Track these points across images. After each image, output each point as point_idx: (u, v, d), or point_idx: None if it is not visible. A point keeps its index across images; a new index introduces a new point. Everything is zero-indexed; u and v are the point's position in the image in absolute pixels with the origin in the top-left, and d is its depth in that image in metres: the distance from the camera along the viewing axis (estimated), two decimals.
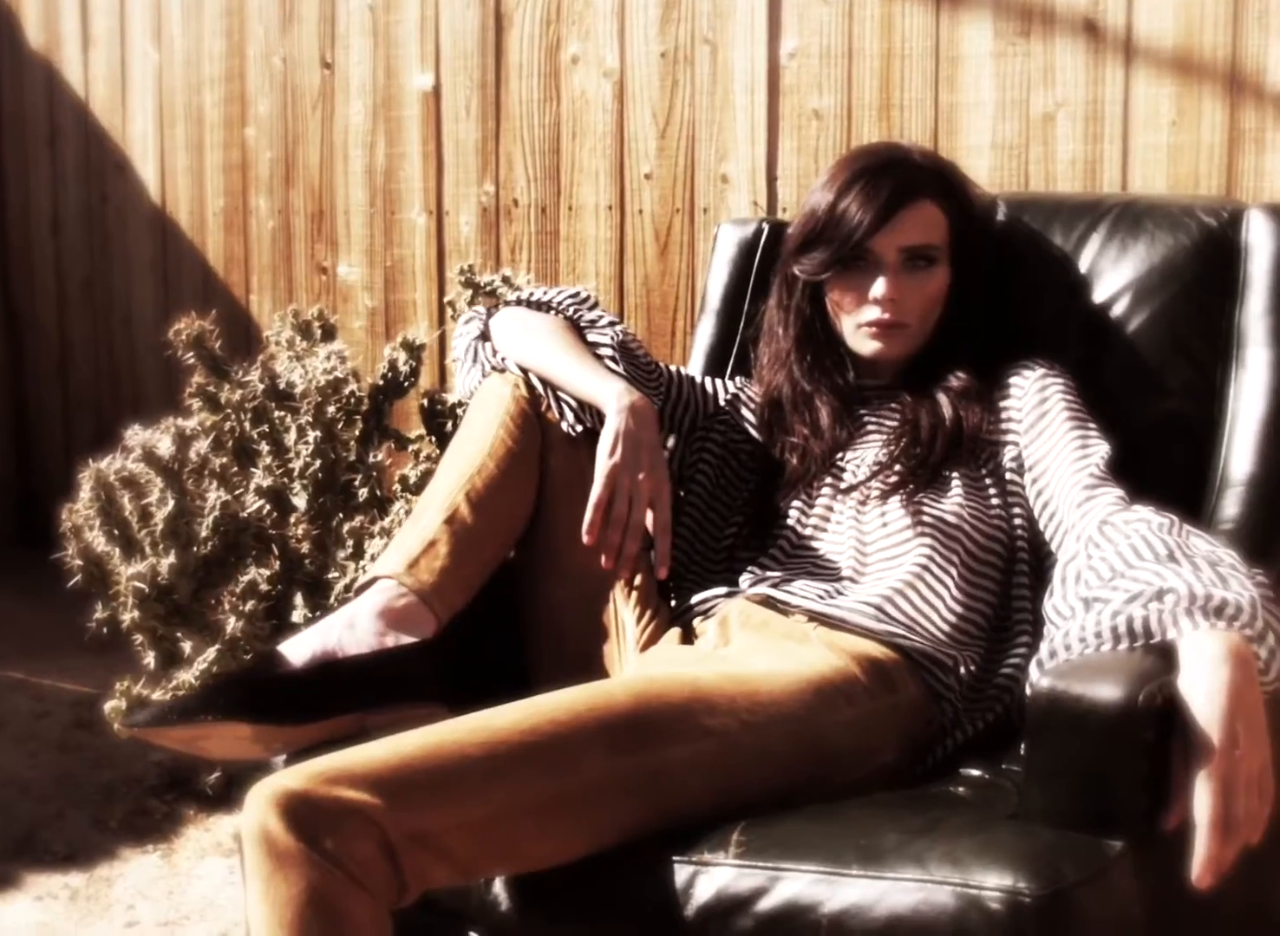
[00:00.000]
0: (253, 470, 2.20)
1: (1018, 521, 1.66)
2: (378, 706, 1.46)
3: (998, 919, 1.09)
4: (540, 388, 1.73)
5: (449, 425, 2.32)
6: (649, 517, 1.65)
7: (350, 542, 2.14)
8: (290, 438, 2.26)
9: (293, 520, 2.13)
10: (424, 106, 2.92)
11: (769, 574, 1.68)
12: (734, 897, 1.20)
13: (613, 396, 1.66)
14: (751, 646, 1.53)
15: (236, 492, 2.15)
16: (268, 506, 2.14)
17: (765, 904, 1.18)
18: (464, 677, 1.54)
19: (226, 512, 2.09)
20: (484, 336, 1.83)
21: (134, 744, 2.09)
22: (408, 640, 1.50)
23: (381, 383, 2.34)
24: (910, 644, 1.55)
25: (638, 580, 1.66)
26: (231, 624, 2.03)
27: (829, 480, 1.74)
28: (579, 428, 1.71)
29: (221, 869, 2.20)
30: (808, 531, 1.72)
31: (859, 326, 1.73)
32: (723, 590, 1.66)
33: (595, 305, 1.86)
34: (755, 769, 1.36)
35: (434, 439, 2.37)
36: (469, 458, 1.67)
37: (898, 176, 1.71)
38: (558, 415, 1.72)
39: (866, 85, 2.45)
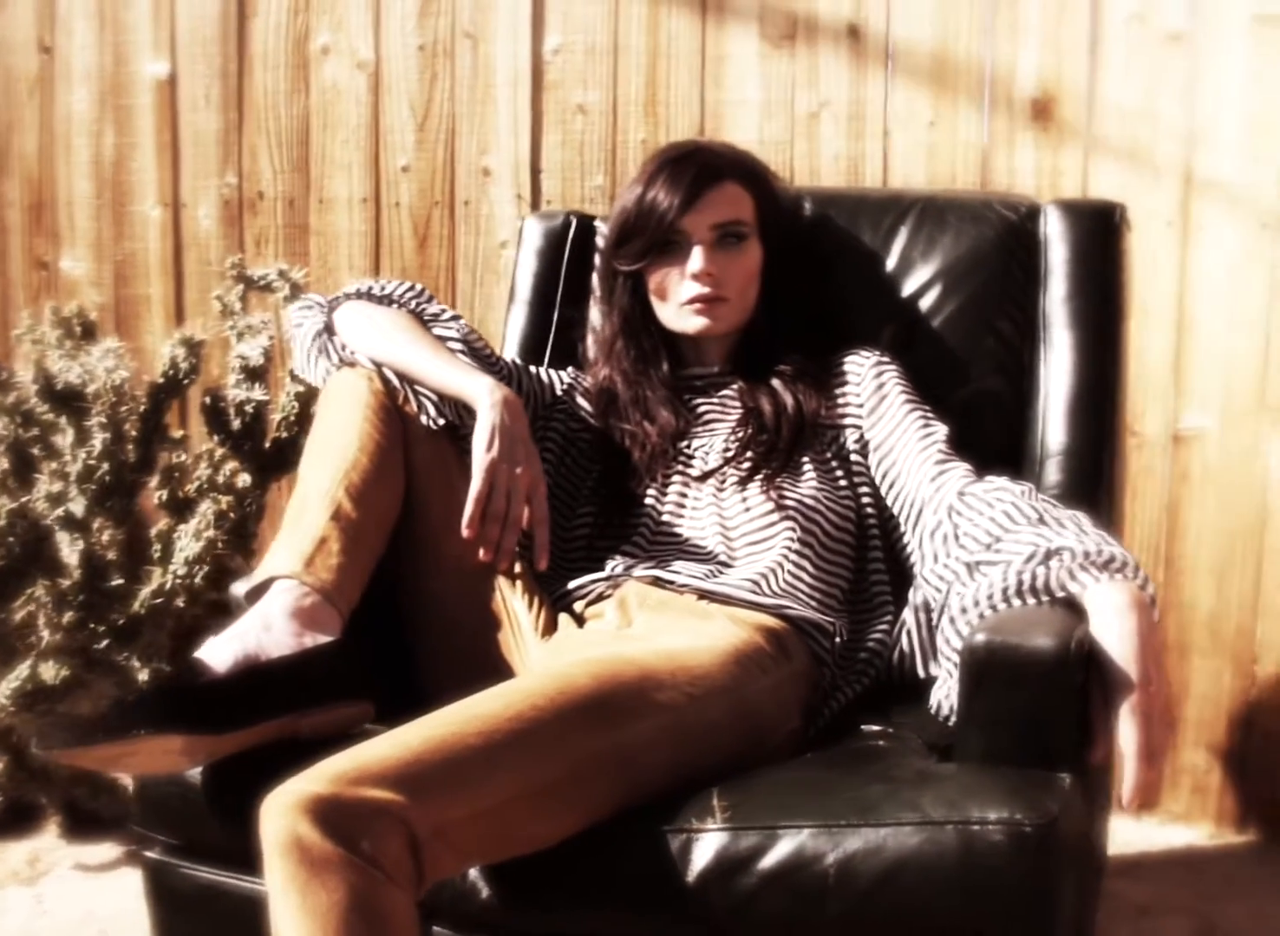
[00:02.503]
0: (37, 476, 2.06)
1: (865, 500, 1.77)
2: (309, 708, 1.43)
3: (1001, 849, 1.18)
4: (396, 382, 1.71)
5: (237, 423, 2.24)
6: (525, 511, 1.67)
7: (158, 546, 2.04)
8: (66, 440, 2.14)
9: (95, 526, 2.01)
10: (158, 95, 2.80)
11: (640, 558, 1.72)
12: (733, 858, 1.24)
13: (484, 391, 1.67)
14: (658, 625, 1.57)
15: (24, 500, 2.02)
16: (61, 512, 2.01)
17: (767, 861, 1.23)
18: (370, 673, 1.52)
19: (24, 520, 1.96)
20: (328, 329, 1.79)
21: None
22: (323, 639, 1.46)
23: (162, 381, 2.24)
24: (795, 613, 1.63)
25: (517, 569, 1.68)
26: (46, 637, 1.91)
27: (679, 467, 1.79)
28: (440, 421, 1.71)
29: (26, 898, 2.07)
30: (665, 517, 1.77)
31: (681, 306, 1.80)
32: (602, 575, 1.69)
33: (431, 299, 1.86)
34: (704, 740, 1.40)
35: (218, 438, 2.28)
36: (340, 453, 1.63)
37: (699, 161, 1.78)
38: (417, 409, 1.70)
39: (632, 81, 2.52)
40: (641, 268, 1.80)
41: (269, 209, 2.77)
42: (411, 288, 1.84)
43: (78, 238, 2.89)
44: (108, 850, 2.22)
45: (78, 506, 2.11)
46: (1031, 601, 1.41)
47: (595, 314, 2.03)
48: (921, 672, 1.61)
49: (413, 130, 2.65)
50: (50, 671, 1.95)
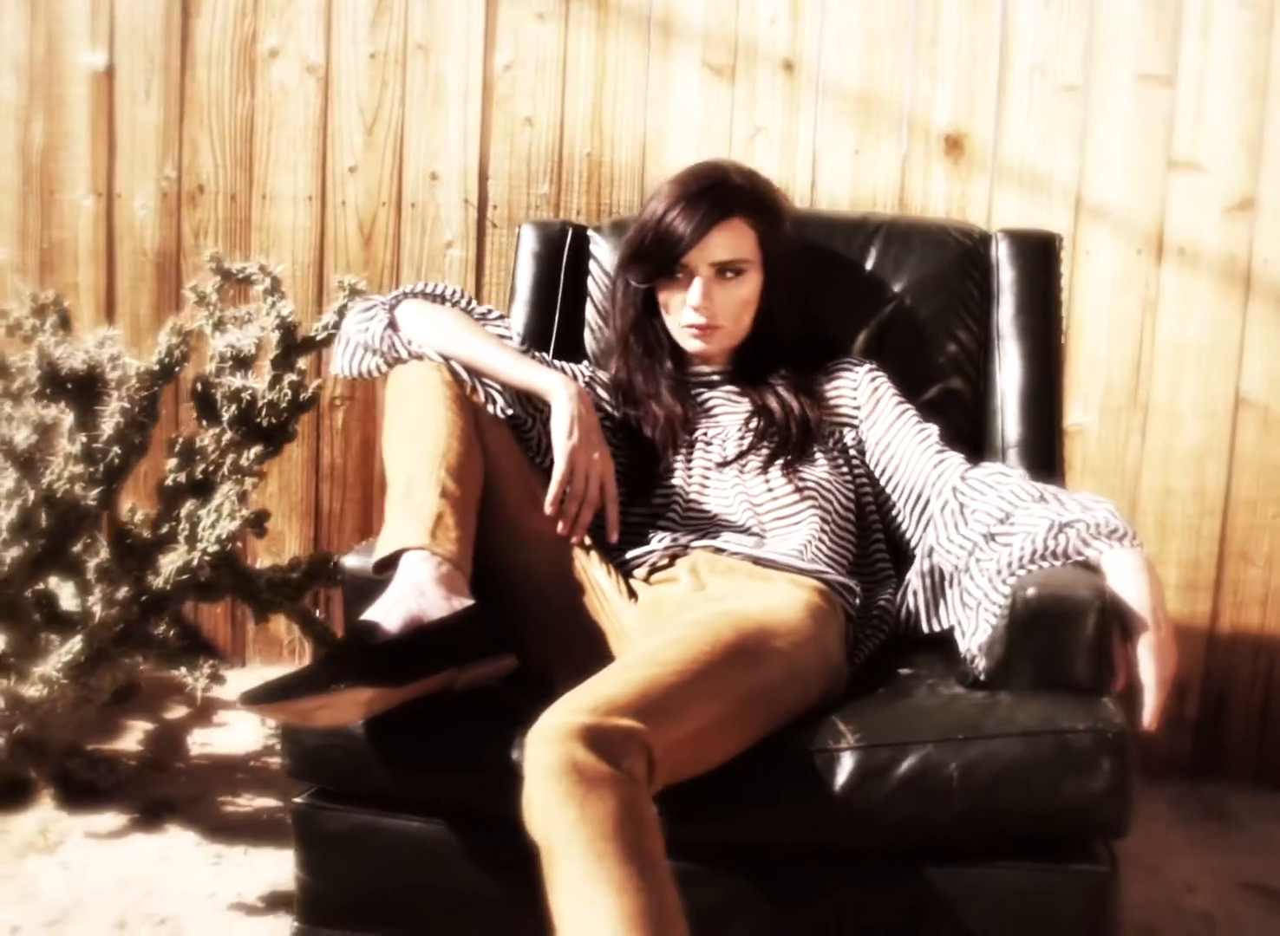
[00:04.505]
0: (66, 453, 2.14)
1: (864, 488, 2.04)
2: (466, 662, 1.61)
3: (1090, 750, 1.48)
4: (464, 374, 1.89)
5: (232, 409, 2.34)
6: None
7: (186, 525, 2.15)
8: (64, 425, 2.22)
9: (129, 506, 2.10)
10: (94, 86, 2.84)
11: (679, 532, 1.96)
12: (870, 770, 1.50)
13: (559, 385, 1.87)
14: (732, 588, 1.82)
15: (48, 481, 2.10)
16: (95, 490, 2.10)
17: (899, 772, 1.50)
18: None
19: (62, 498, 2.04)
20: (392, 326, 1.95)
21: None
22: (467, 602, 1.65)
23: (157, 368, 2.34)
24: (832, 577, 1.90)
25: (587, 542, 1.89)
26: (100, 611, 2.00)
27: (700, 452, 2.04)
28: (509, 411, 1.90)
29: (51, 867, 2.14)
30: (693, 497, 2.01)
31: (681, 327, 2.05)
32: (659, 546, 1.92)
33: (473, 300, 2.04)
34: (808, 680, 1.66)
35: (204, 423, 2.39)
36: (432, 437, 1.80)
37: (713, 197, 1.99)
38: (484, 400, 1.89)
39: (580, 98, 2.73)
40: (655, 286, 2.03)
41: (209, 202, 2.86)
42: (458, 290, 2.02)
43: (1, 224, 2.91)
44: (112, 819, 2.30)
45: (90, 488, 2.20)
46: (1056, 563, 1.72)
47: (592, 313, 2.26)
48: (926, 629, 1.91)
49: (361, 133, 2.79)
50: (91, 646, 2.04)
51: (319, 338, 2.44)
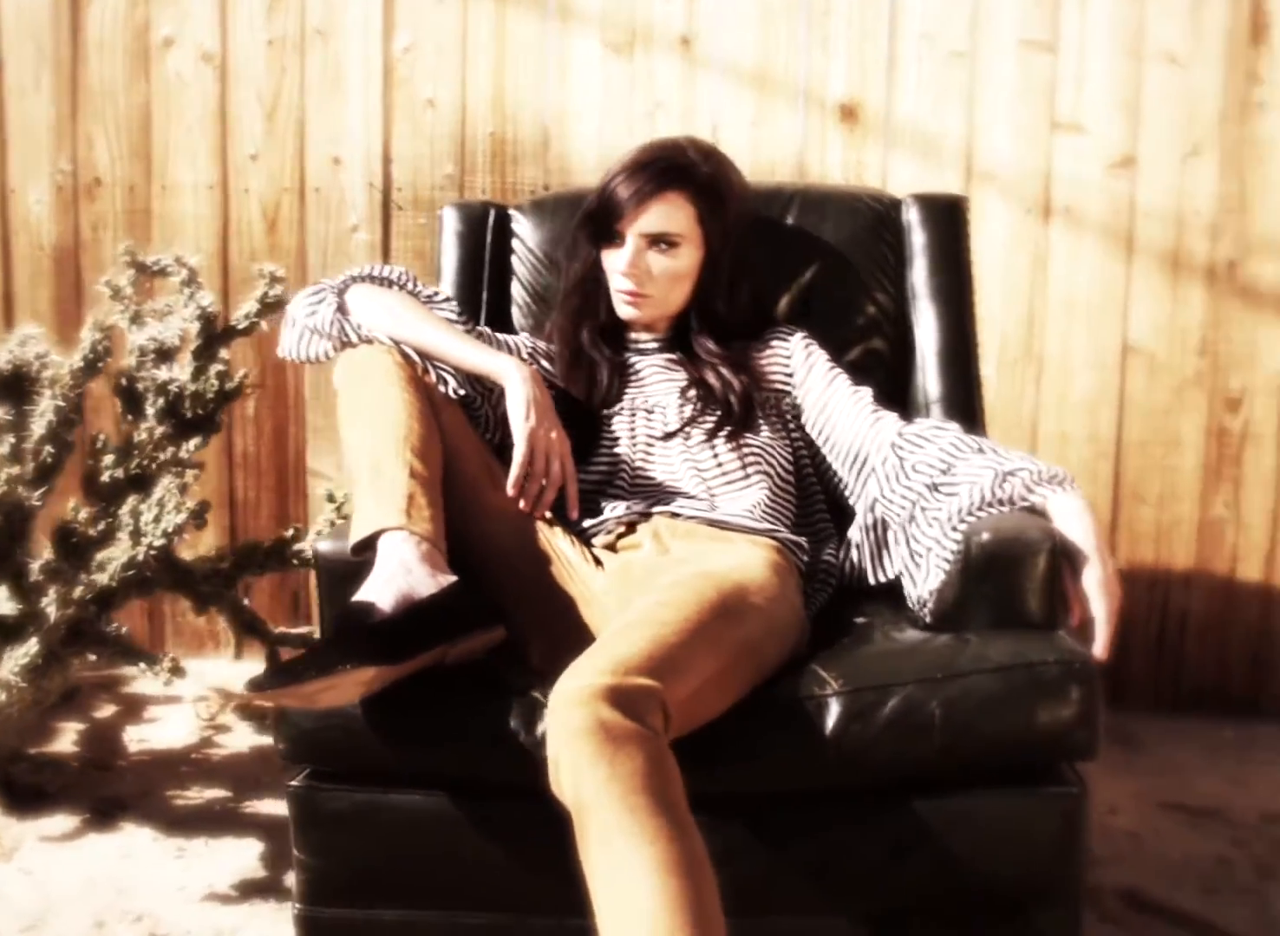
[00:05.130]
0: None
1: (801, 450, 2.13)
2: (458, 636, 1.65)
3: (1060, 680, 1.57)
4: (415, 357, 1.93)
5: (160, 402, 2.33)
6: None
7: (129, 522, 2.14)
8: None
9: (71, 504, 2.09)
10: None
11: (629, 500, 2.02)
12: (857, 712, 1.58)
13: (512, 369, 1.90)
14: (696, 550, 1.88)
15: None
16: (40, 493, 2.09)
17: (884, 712, 1.58)
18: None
19: (4, 499, 2.02)
20: (341, 310, 1.97)
21: None
22: (451, 578, 1.68)
23: (83, 364, 2.32)
24: (784, 535, 1.97)
25: (548, 515, 1.94)
26: (55, 612, 1.99)
27: (642, 422, 2.10)
28: (461, 392, 1.94)
29: (12, 873, 2.13)
30: (639, 465, 2.06)
31: (615, 292, 2.11)
32: (615, 515, 1.97)
33: (418, 281, 2.07)
34: (783, 633, 1.73)
35: (130, 417, 2.38)
36: (393, 418, 1.83)
37: (657, 170, 2.06)
38: (436, 381, 1.93)
39: (480, 79, 2.76)
40: (597, 247, 2.09)
41: (107, 195, 2.82)
42: (404, 272, 2.05)
43: None
44: (64, 821, 2.29)
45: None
46: (1003, 509, 1.81)
47: (519, 290, 2.31)
48: (871, 580, 2.00)
49: (261, 120, 2.79)
50: (42, 647, 2.03)
51: (240, 327, 2.44)
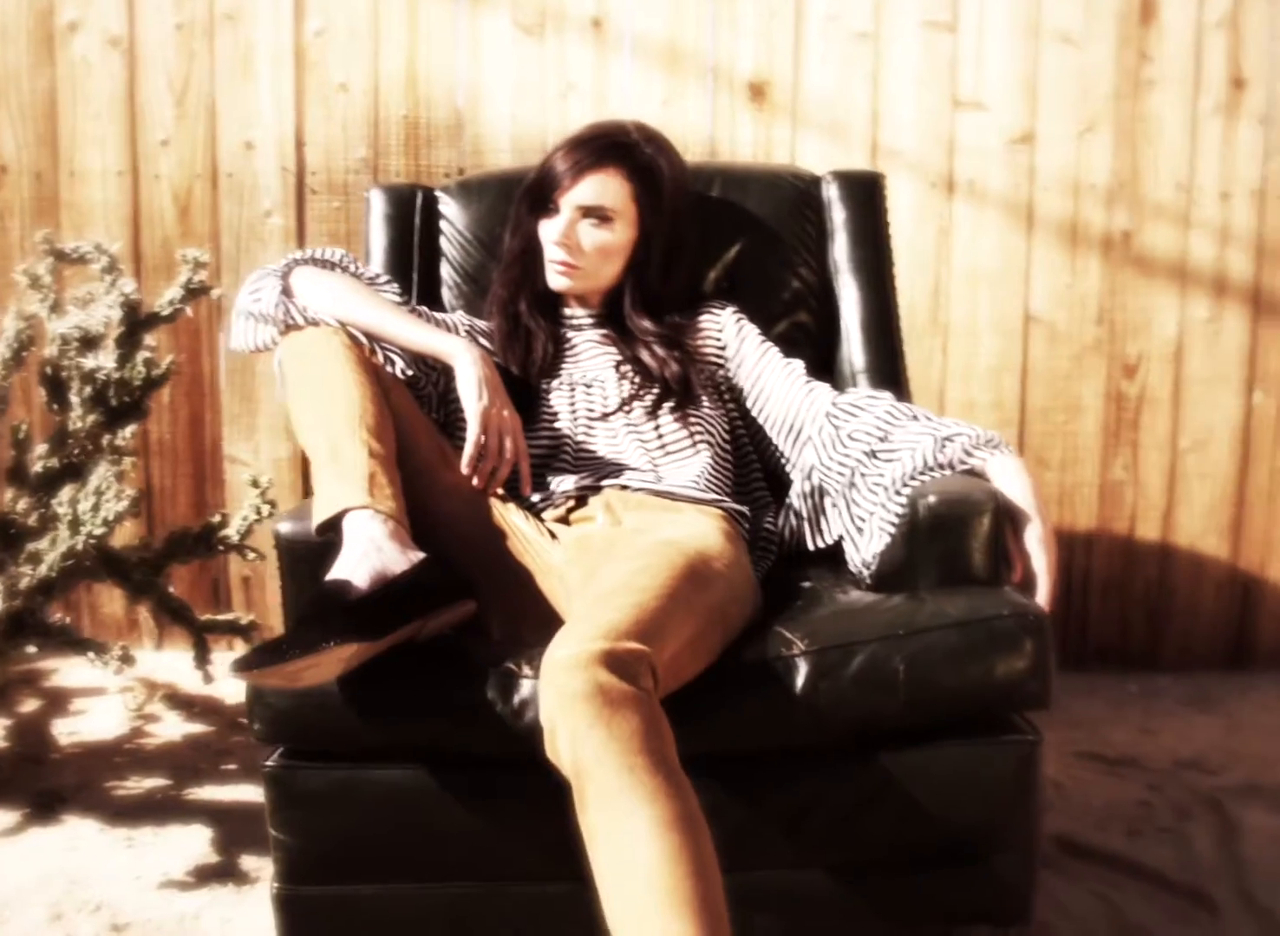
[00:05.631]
0: None
1: (736, 420, 2.19)
2: (432, 611, 1.68)
3: (1016, 632, 1.64)
4: (363, 338, 1.94)
5: (87, 390, 2.31)
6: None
7: (69, 511, 2.12)
8: None
9: (10, 495, 2.06)
10: None
11: (574, 474, 2.05)
12: (824, 670, 1.63)
13: (461, 349, 1.93)
14: (648, 521, 1.92)
15: None
16: None
17: (850, 669, 1.63)
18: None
19: None
20: (286, 293, 1.98)
21: None
22: (419, 555, 1.71)
23: (9, 354, 2.29)
24: (728, 505, 2.03)
25: (500, 492, 1.97)
26: (2, 604, 1.96)
27: (581, 397, 2.13)
28: (409, 372, 1.96)
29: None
30: (581, 440, 2.10)
31: (548, 262, 2.15)
32: (564, 489, 2.01)
33: (357, 262, 2.08)
34: (742, 600, 1.78)
35: (55, 406, 2.35)
36: (345, 399, 1.84)
37: (597, 146, 2.12)
38: (383, 362, 1.94)
39: (392, 61, 2.76)
40: (535, 219, 2.13)
41: (13, 182, 2.77)
42: (345, 255, 2.06)
43: None
44: (2, 817, 2.26)
45: None
46: (945, 473, 1.89)
47: (448, 271, 2.33)
48: (810, 545, 2.07)
49: (171, 106, 2.76)
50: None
51: (165, 313, 2.41)
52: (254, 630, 2.61)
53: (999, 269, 2.85)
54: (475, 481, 1.92)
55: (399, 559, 1.68)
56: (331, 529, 1.74)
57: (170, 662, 2.89)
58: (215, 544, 2.53)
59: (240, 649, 2.91)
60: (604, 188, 2.09)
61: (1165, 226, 2.83)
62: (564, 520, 1.99)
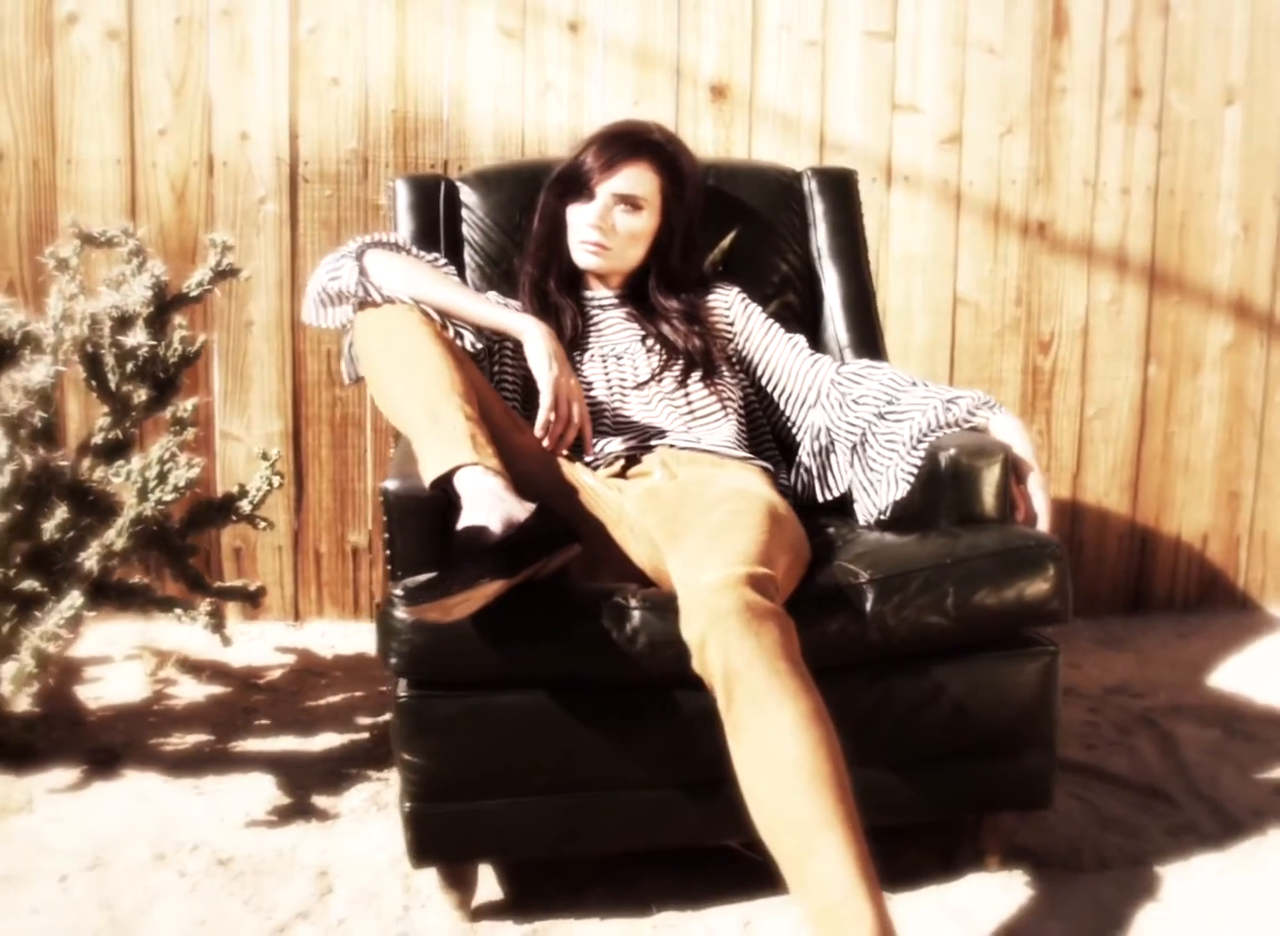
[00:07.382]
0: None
1: (747, 387, 2.45)
2: (552, 552, 1.89)
3: (1041, 560, 1.95)
4: (435, 315, 2.14)
5: (126, 368, 2.44)
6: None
7: (139, 479, 2.26)
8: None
9: (86, 465, 2.19)
10: None
11: (616, 437, 2.28)
12: (890, 593, 1.90)
13: (530, 325, 2.14)
14: (702, 475, 2.16)
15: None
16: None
17: (909, 592, 1.91)
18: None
19: (39, 464, 2.11)
20: (362, 273, 2.16)
21: None
22: (532, 505, 1.92)
23: (79, 330, 2.41)
24: (758, 462, 2.29)
25: (565, 453, 2.19)
26: (95, 566, 2.09)
27: (614, 368, 2.36)
28: (479, 345, 2.17)
29: (42, 823, 2.21)
30: (617, 407, 2.34)
31: (579, 243, 2.38)
32: (615, 448, 2.24)
33: (414, 247, 2.28)
34: (803, 538, 2.05)
35: (94, 383, 2.47)
36: (433, 368, 2.02)
37: (628, 141, 2.36)
38: (454, 336, 2.15)
39: (382, 59, 2.94)
40: (565, 205, 2.36)
41: (10, 169, 2.86)
42: (404, 238, 2.25)
43: None
44: (63, 775, 2.37)
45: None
46: (953, 430, 2.18)
47: (471, 255, 2.53)
48: (820, 498, 2.34)
49: (169, 96, 2.88)
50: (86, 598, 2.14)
51: (193, 294, 2.56)
52: (262, 595, 2.77)
53: (931, 255, 3.17)
54: (546, 443, 2.14)
55: (518, 507, 1.89)
56: (441, 485, 1.94)
57: (173, 630, 3.01)
58: (234, 512, 2.68)
59: (239, 614, 3.05)
60: (638, 178, 2.33)
61: (1074, 217, 3.19)
62: (620, 476, 2.22)
